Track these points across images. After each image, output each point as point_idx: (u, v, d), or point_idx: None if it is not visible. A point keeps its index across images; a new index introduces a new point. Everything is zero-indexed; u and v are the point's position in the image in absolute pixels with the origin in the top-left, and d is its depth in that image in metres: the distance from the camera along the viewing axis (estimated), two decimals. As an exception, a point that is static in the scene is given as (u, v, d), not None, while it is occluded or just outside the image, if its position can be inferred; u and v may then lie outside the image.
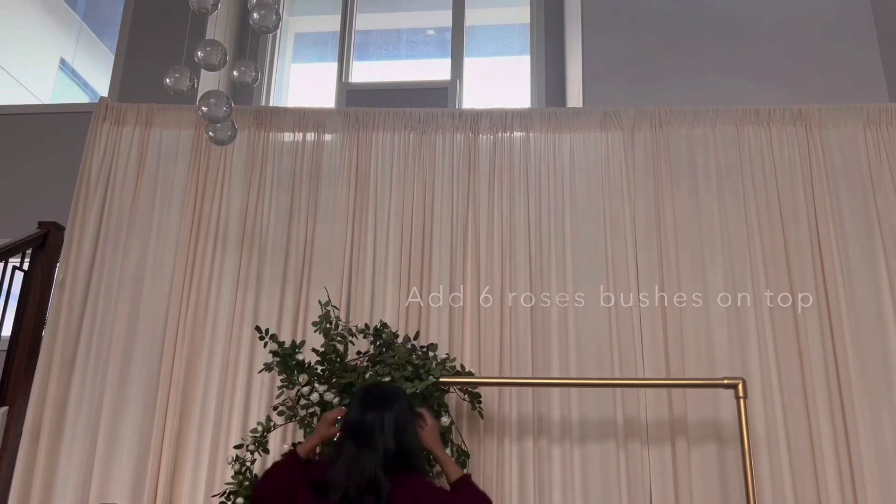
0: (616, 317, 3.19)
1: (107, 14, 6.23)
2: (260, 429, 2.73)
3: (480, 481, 2.87)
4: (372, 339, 2.95)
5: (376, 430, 2.09)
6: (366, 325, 3.04)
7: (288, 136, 3.60)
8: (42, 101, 5.88)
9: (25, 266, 3.33)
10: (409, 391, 2.61)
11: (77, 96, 6.39)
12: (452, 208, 3.41)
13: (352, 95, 4.69)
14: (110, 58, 5.17)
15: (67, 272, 3.32)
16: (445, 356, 2.92)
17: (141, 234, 3.41)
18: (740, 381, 2.77)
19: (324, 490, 2.09)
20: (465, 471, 2.39)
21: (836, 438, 2.98)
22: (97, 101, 3.65)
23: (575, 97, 4.32)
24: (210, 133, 2.83)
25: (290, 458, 2.29)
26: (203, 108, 2.70)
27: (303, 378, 2.74)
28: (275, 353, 2.81)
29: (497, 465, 3.00)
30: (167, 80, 2.73)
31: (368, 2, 5.38)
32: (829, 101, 3.67)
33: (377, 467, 2.03)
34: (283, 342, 2.85)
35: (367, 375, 2.73)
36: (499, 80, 5.18)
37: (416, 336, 2.99)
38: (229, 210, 3.45)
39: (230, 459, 2.75)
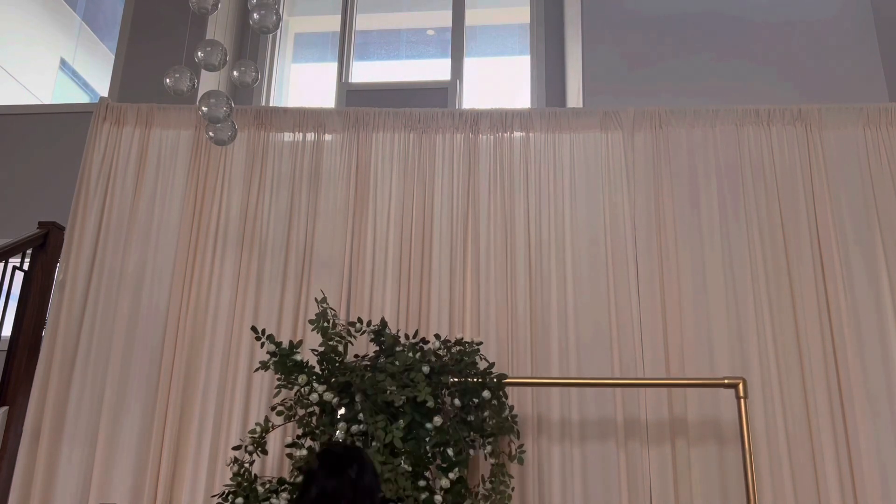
0: (616, 317, 3.19)
1: (107, 14, 6.23)
2: (258, 430, 2.73)
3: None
4: (373, 336, 2.94)
5: (345, 497, 1.87)
6: (359, 318, 3.02)
7: (288, 137, 3.60)
8: (42, 101, 5.88)
9: (25, 266, 3.33)
10: (404, 397, 2.62)
11: (77, 96, 6.39)
12: (452, 208, 3.41)
13: (352, 95, 4.68)
14: (110, 58, 5.17)
15: (67, 272, 3.32)
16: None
17: (141, 234, 3.41)
18: (740, 381, 2.77)
19: None
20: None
21: (836, 438, 2.98)
22: (97, 101, 3.65)
23: (575, 97, 4.32)
24: (210, 133, 2.83)
25: None
26: (203, 108, 2.70)
27: (302, 378, 2.73)
28: (272, 354, 2.81)
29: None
30: (167, 81, 2.73)
31: (368, 2, 5.37)
32: (829, 101, 3.67)
33: None
34: (280, 342, 2.84)
35: (366, 378, 2.72)
36: (499, 80, 5.18)
37: (416, 335, 2.99)
38: (229, 210, 3.45)
39: (229, 461, 2.75)
